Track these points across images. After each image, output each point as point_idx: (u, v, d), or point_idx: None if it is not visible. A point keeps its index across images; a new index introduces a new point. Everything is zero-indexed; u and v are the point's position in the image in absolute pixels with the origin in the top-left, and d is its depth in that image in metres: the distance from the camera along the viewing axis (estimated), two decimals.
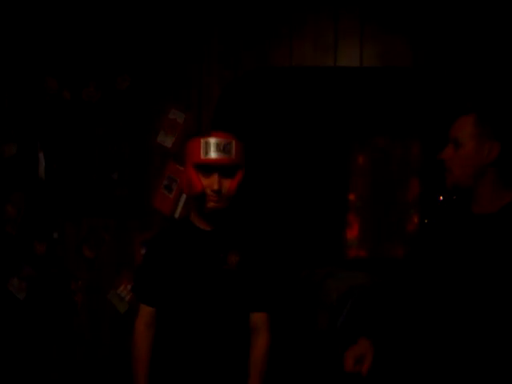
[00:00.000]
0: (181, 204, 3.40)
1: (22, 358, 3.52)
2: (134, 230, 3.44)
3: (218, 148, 2.20)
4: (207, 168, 2.23)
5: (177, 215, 3.39)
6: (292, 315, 3.95)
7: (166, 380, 2.34)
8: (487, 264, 1.97)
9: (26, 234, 3.52)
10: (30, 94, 3.52)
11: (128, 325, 3.41)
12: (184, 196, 3.36)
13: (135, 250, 3.42)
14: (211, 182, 2.22)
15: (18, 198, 3.52)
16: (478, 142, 2.02)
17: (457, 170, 2.05)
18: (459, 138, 2.04)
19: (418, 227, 6.21)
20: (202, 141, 2.21)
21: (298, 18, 3.36)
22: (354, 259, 6.27)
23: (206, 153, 2.20)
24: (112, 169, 3.47)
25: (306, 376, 3.72)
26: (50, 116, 3.51)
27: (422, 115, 5.69)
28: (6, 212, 3.51)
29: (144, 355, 2.36)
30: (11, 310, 3.52)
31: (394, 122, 6.02)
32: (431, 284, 2.12)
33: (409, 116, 5.83)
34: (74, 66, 3.48)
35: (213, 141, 2.20)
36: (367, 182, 6.34)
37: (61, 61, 3.49)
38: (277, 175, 5.88)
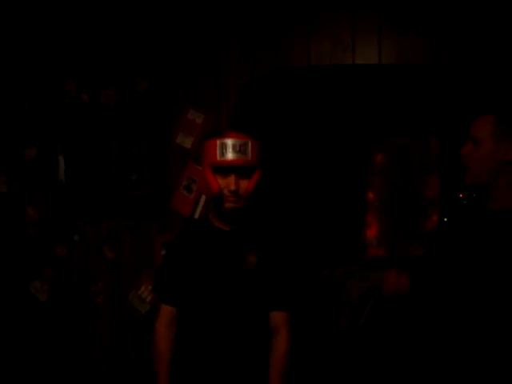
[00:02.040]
0: (200, 205, 3.40)
1: (43, 358, 3.55)
2: (153, 231, 3.45)
3: (235, 149, 2.20)
4: (224, 169, 2.23)
5: (196, 216, 3.39)
6: (313, 315, 3.94)
7: (186, 380, 2.34)
8: (503, 258, 1.99)
9: (47, 237, 3.54)
10: (49, 97, 3.54)
11: (149, 325, 3.42)
12: (203, 197, 3.37)
13: (155, 250, 3.42)
14: (228, 183, 2.22)
15: (39, 201, 3.54)
16: (496, 140, 2.10)
17: (476, 166, 2.14)
18: (478, 136, 2.13)
19: (437, 226, 6.16)
20: (219, 142, 2.21)
21: (315, 16, 3.35)
22: (373, 258, 6.23)
23: (223, 154, 2.20)
24: (131, 170, 3.48)
25: (327, 375, 3.70)
26: (70, 119, 3.53)
27: (441, 113, 5.65)
28: (28, 215, 3.54)
29: (165, 355, 2.36)
30: (33, 312, 3.55)
31: (412, 121, 5.97)
32: (453, 281, 2.13)
33: (428, 114, 5.78)
34: (93, 68, 3.50)
35: (229, 142, 2.21)
36: (386, 181, 6.30)
37: (79, 64, 3.51)
38: (296, 175, 5.86)
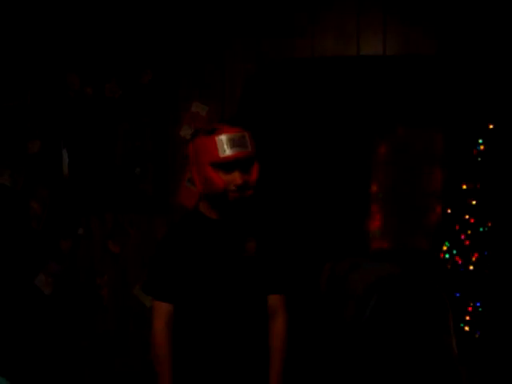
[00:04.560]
0: None
1: (48, 352, 3.55)
2: (158, 224, 3.44)
3: (234, 143, 2.17)
4: (226, 165, 2.20)
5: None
6: (318, 307, 3.94)
7: (192, 375, 2.34)
8: None
9: (52, 230, 3.54)
10: (52, 91, 3.52)
11: None
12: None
13: None
14: (233, 178, 2.20)
15: (43, 195, 3.53)
16: None
17: None
18: None
19: (440, 217, 6.16)
20: (217, 138, 2.17)
21: (319, 8, 3.33)
22: (377, 250, 6.23)
23: (224, 150, 2.16)
24: (135, 164, 3.47)
25: (330, 368, 3.70)
26: (73, 112, 3.52)
27: (446, 104, 5.63)
28: (32, 208, 3.53)
29: (168, 354, 2.30)
30: (38, 305, 3.54)
31: (416, 112, 5.96)
32: None
33: (432, 105, 5.77)
34: (96, 61, 3.49)
35: (228, 137, 2.17)
36: (389, 173, 6.28)
37: (83, 57, 3.50)
38: (300, 166, 5.86)
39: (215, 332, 2.28)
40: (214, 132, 2.20)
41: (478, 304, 4.40)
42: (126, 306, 3.52)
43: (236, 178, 2.19)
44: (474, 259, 4.50)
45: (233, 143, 2.17)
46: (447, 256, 4.75)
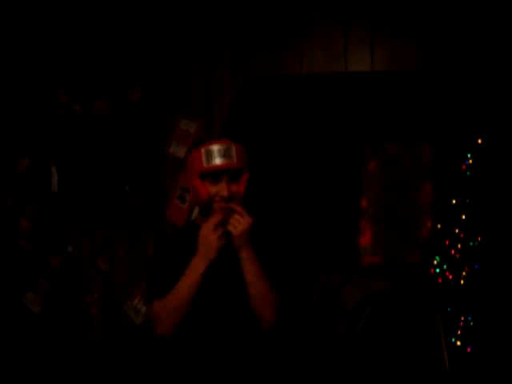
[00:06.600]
0: (194, 214, 3.39)
1: (38, 371, 3.52)
2: (148, 242, 3.43)
3: (220, 154, 2.22)
4: (213, 174, 2.24)
5: None
6: (309, 322, 3.93)
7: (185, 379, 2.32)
8: None
9: (41, 248, 3.52)
10: (41, 108, 3.52)
11: (144, 336, 3.41)
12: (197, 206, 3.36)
13: (149, 261, 3.40)
14: (219, 189, 2.23)
15: (32, 212, 3.52)
16: None
17: None
18: None
19: (431, 232, 6.18)
20: (203, 149, 2.23)
21: (307, 24, 3.36)
22: (368, 266, 6.23)
23: (208, 160, 2.22)
24: (125, 181, 3.46)
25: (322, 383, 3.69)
26: (62, 129, 3.52)
27: (434, 119, 5.67)
28: (21, 226, 3.51)
29: None
30: (27, 324, 3.51)
31: (405, 127, 5.99)
32: None
33: (420, 120, 5.80)
34: (85, 79, 3.49)
35: (214, 148, 2.23)
36: (379, 188, 6.30)
37: (71, 74, 3.50)
38: (289, 182, 5.87)
39: (211, 342, 2.27)
40: (201, 144, 2.26)
41: (470, 318, 4.39)
42: (116, 323, 3.49)
43: (222, 189, 2.23)
44: (464, 273, 4.50)
45: (217, 154, 2.22)
46: (438, 270, 4.76)
